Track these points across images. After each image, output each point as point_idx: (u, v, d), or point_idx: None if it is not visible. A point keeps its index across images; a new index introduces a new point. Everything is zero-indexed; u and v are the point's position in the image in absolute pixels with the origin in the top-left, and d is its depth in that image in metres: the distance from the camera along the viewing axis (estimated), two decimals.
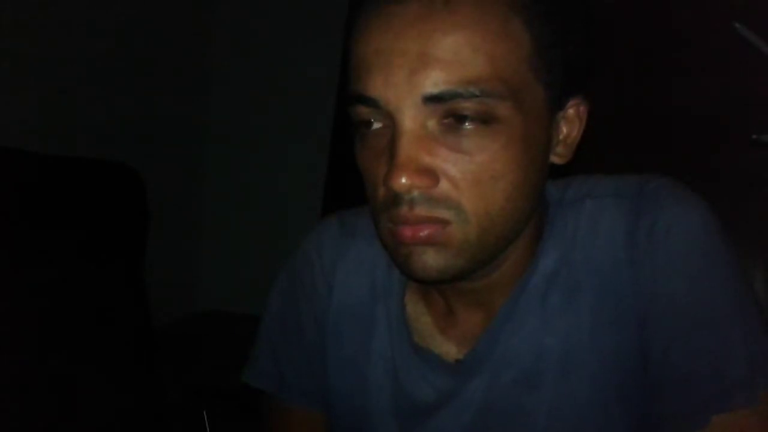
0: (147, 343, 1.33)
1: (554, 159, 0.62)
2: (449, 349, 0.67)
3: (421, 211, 0.56)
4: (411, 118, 0.55)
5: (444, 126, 0.56)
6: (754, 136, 1.05)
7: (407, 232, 0.56)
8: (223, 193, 2.07)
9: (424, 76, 0.54)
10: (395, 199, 0.56)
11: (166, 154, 1.88)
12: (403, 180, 0.54)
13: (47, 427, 1.09)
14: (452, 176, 0.56)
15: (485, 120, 0.55)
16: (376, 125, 0.58)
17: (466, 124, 0.55)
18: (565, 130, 0.62)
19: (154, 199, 1.39)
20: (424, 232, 0.56)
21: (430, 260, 0.57)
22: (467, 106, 0.54)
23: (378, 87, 0.56)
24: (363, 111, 0.58)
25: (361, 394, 0.71)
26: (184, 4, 1.91)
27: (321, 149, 1.77)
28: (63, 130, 1.49)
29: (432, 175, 0.55)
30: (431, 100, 0.54)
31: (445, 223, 0.56)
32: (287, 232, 1.86)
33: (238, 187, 2.05)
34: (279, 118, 1.98)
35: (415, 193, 0.55)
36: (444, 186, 0.56)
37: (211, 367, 1.58)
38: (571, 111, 0.62)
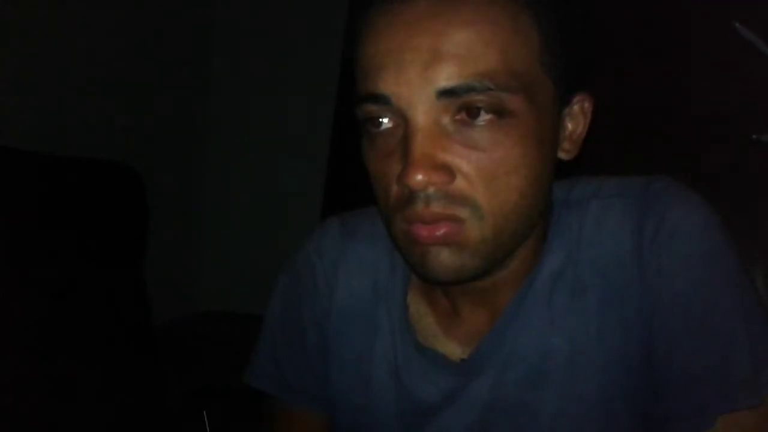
0: (147, 343, 1.33)
1: (561, 154, 0.62)
2: (453, 349, 0.67)
3: (436, 208, 0.55)
4: (424, 114, 0.55)
5: (457, 122, 0.55)
6: (754, 136, 1.05)
7: (423, 231, 0.56)
8: (223, 193, 2.06)
9: (437, 70, 0.54)
10: (410, 197, 0.56)
11: (166, 154, 1.88)
12: (420, 177, 0.54)
13: (47, 427, 1.09)
14: (467, 173, 0.55)
15: (499, 113, 0.55)
16: (386, 124, 0.57)
17: (480, 118, 0.55)
18: (570, 126, 0.62)
19: (154, 199, 1.39)
20: (441, 231, 0.55)
21: (447, 260, 0.56)
22: (481, 100, 0.54)
23: (390, 84, 0.55)
24: (373, 109, 0.57)
25: (364, 394, 0.71)
26: (184, 4, 1.91)
27: (321, 149, 1.76)
28: (63, 130, 1.49)
29: (448, 171, 0.55)
30: (445, 94, 0.54)
31: (460, 221, 0.56)
32: (287, 232, 1.87)
33: (238, 187, 2.05)
34: (279, 118, 1.98)
35: (431, 190, 0.55)
36: (459, 183, 0.55)
37: (211, 367, 1.57)
38: (576, 107, 0.62)
